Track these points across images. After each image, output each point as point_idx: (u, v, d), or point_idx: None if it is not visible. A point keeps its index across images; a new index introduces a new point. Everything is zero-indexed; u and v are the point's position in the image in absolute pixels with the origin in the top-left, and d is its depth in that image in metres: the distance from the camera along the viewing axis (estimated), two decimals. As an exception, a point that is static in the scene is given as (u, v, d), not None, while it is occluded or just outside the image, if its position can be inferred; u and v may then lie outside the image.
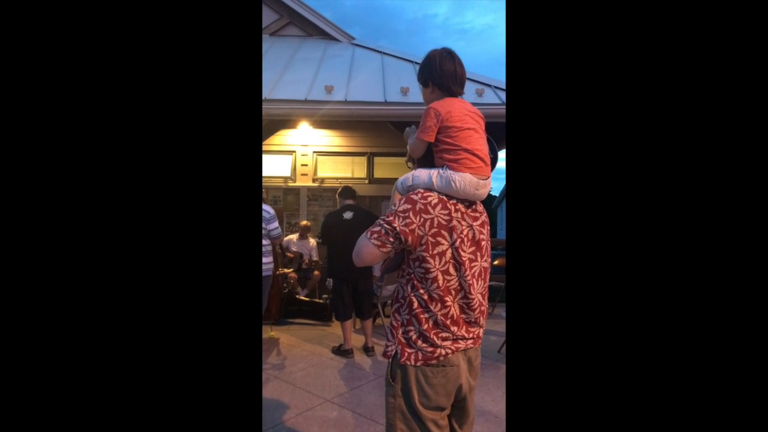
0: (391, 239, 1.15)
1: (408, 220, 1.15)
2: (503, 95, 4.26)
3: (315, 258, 5.31)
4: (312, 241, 5.38)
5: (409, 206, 1.16)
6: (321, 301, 4.89)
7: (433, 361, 1.16)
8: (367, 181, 5.85)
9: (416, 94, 4.27)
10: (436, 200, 1.18)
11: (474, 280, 1.21)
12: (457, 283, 1.18)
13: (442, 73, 1.28)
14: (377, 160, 5.92)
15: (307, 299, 4.90)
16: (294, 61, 5.09)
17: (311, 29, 6.25)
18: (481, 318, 1.24)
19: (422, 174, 1.24)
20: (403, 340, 1.18)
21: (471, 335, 1.22)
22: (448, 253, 1.17)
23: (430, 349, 1.16)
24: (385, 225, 1.16)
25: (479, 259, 1.22)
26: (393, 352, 1.19)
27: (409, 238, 1.14)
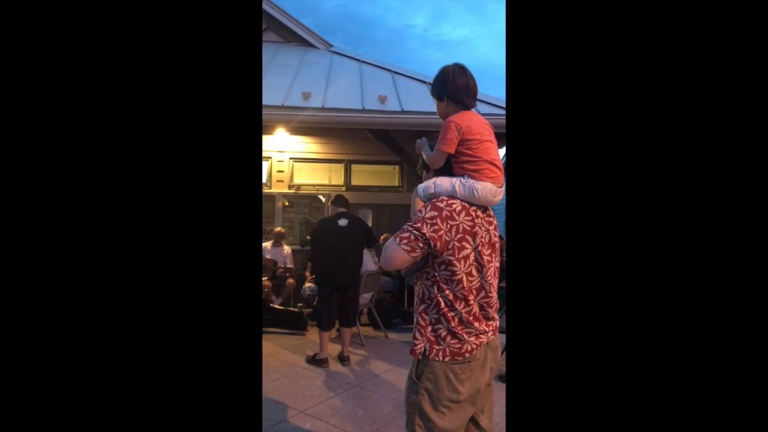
0: (421, 244, 1.23)
1: (436, 227, 1.23)
2: (480, 105, 4.32)
3: (290, 265, 5.24)
4: (287, 249, 5.31)
5: (436, 213, 1.24)
6: (296, 309, 4.81)
7: (460, 358, 1.24)
8: (344, 189, 5.83)
9: (394, 102, 4.30)
10: (460, 207, 1.27)
11: (492, 279, 1.32)
12: (478, 283, 1.29)
13: (455, 87, 1.37)
14: (355, 167, 5.91)
15: (281, 308, 4.81)
16: (271, 67, 5.04)
17: (289, 36, 6.22)
18: (495, 313, 1.35)
19: (444, 182, 1.33)
20: (432, 338, 1.26)
21: (490, 328, 1.33)
22: (471, 257, 1.26)
23: (458, 345, 1.25)
24: (414, 231, 1.23)
25: (494, 260, 1.34)
26: (422, 349, 1.27)
27: (438, 244, 1.22)
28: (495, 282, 1.32)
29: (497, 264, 1.35)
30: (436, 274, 1.27)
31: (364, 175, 5.96)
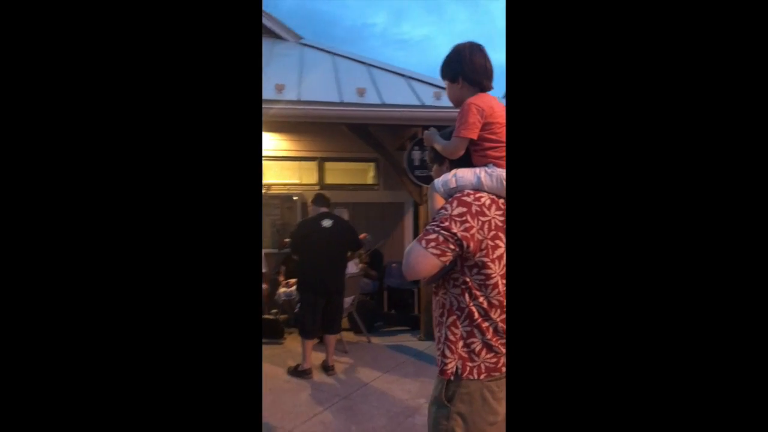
0: (452, 246, 1.08)
1: (467, 224, 1.08)
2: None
3: (263, 270, 4.93)
4: (259, 252, 4.99)
5: (465, 209, 1.09)
6: (271, 316, 4.52)
7: (497, 373, 1.12)
8: (318, 188, 5.56)
9: (373, 95, 4.09)
10: (489, 201, 1.13)
11: None
12: None
13: (473, 67, 1.24)
14: (328, 165, 5.65)
15: (255, 315, 4.50)
16: (238, 58, 4.70)
17: (255, 26, 5.88)
18: None
19: (467, 174, 1.18)
20: (464, 354, 1.12)
21: None
22: (505, 256, 1.11)
23: (494, 359, 1.12)
24: (443, 231, 1.08)
25: None
26: (454, 369, 1.12)
27: (471, 244, 1.08)
28: None
29: None
30: (468, 280, 1.11)
31: (339, 173, 5.72)
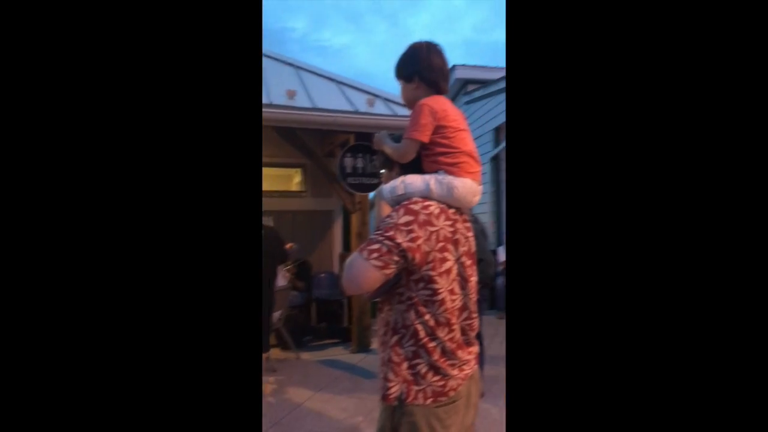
0: (396, 258, 0.99)
1: (413, 234, 1.00)
2: (394, 107, 4.17)
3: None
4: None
5: (411, 218, 1.02)
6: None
7: (444, 398, 1.03)
8: (239, 194, 5.19)
9: (303, 98, 3.91)
10: (438, 210, 1.06)
11: (474, 296, 1.12)
12: (461, 302, 1.09)
13: (431, 66, 1.18)
14: (251, 170, 5.32)
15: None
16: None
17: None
18: (475, 336, 1.15)
19: (416, 181, 1.10)
20: (409, 377, 1.03)
21: (472, 356, 1.12)
22: (454, 270, 1.06)
23: (442, 382, 1.04)
24: (387, 241, 0.99)
25: (474, 273, 1.15)
26: (397, 393, 1.03)
27: (417, 256, 1.00)
28: (476, 299, 1.13)
29: (476, 278, 1.16)
30: (413, 295, 1.03)
31: (267, 180, 5.40)
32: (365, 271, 0.99)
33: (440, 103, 1.16)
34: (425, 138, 1.12)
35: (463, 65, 7.80)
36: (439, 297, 1.03)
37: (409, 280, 1.04)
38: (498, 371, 3.07)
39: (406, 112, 4.18)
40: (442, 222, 1.06)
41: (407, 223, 1.02)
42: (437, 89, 1.20)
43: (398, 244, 0.99)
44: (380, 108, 4.11)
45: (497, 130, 6.87)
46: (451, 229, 1.07)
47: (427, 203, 1.07)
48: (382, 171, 1.32)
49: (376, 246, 1.00)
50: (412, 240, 1.00)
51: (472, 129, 7.50)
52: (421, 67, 1.19)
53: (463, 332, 1.10)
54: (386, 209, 1.14)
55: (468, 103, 7.54)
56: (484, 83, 7.38)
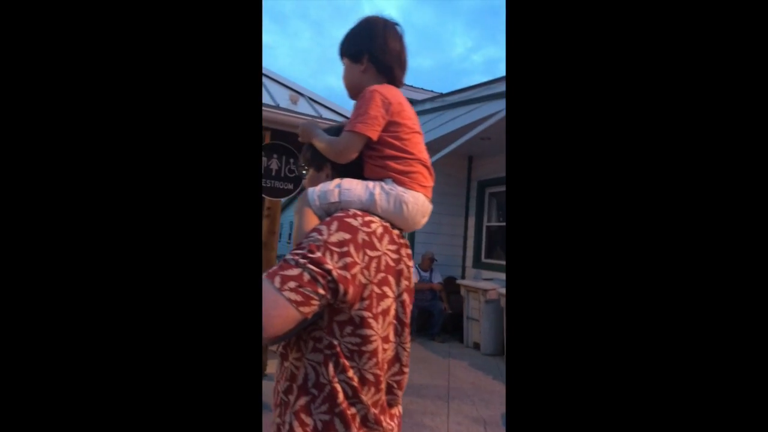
0: (321, 290, 0.73)
1: (349, 260, 0.75)
2: (318, 108, 3.84)
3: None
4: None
5: (348, 236, 0.77)
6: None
7: None
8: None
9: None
10: (381, 229, 0.82)
11: (408, 344, 0.87)
12: (393, 353, 0.84)
13: (386, 48, 0.95)
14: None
15: None
16: None
17: None
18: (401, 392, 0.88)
19: (356, 187, 0.86)
20: None
21: (395, 421, 0.86)
22: (392, 310, 0.82)
23: None
24: (311, 266, 0.73)
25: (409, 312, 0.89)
26: None
27: (350, 289, 0.75)
28: (409, 348, 0.89)
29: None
30: (336, 343, 0.77)
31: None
32: (276, 307, 0.70)
33: (395, 94, 0.92)
34: (374, 134, 0.88)
35: (389, 81, 7.71)
36: (371, 347, 0.78)
37: (332, 322, 0.77)
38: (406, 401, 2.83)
39: (331, 115, 3.87)
40: (385, 245, 0.82)
41: (341, 243, 0.76)
42: (390, 77, 0.97)
43: (327, 271, 0.73)
44: (304, 107, 3.75)
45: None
46: (395, 256, 0.83)
47: (368, 218, 0.82)
48: (305, 171, 1.01)
49: (294, 272, 0.72)
50: (347, 267, 0.74)
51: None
52: (375, 46, 0.95)
53: (390, 390, 0.85)
54: (312, 220, 0.86)
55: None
56: (410, 103, 7.36)
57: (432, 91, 7.90)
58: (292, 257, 0.75)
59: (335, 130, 0.96)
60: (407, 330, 0.86)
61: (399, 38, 0.96)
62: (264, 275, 0.75)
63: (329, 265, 0.73)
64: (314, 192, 0.87)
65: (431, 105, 5.92)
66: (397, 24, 0.97)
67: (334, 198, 0.85)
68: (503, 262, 5.75)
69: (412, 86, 7.78)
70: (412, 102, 6.98)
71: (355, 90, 0.98)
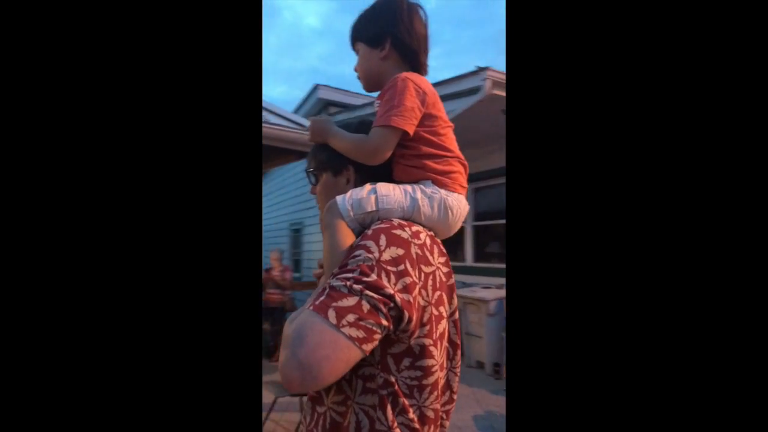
0: (384, 322, 0.61)
1: (408, 280, 0.64)
2: (265, 113, 3.60)
3: None
4: None
5: (401, 252, 0.66)
6: None
7: None
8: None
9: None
10: (429, 240, 0.72)
11: (459, 369, 0.78)
12: (445, 380, 0.74)
13: (412, 31, 0.83)
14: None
15: None
16: None
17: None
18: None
19: (395, 193, 0.74)
20: None
21: None
22: (446, 333, 0.73)
23: None
24: (368, 292, 0.61)
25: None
26: None
27: (414, 315, 0.64)
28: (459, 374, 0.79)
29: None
30: (392, 380, 0.65)
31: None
32: (336, 348, 0.58)
33: (427, 83, 0.81)
34: (411, 128, 0.76)
35: (326, 86, 7.55)
36: (432, 378, 0.67)
37: (386, 355, 0.65)
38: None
39: (279, 121, 3.63)
40: (437, 258, 0.72)
41: (395, 260, 0.64)
42: (415, 65, 0.86)
43: (389, 297, 0.61)
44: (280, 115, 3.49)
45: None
46: (446, 270, 0.74)
47: (415, 228, 0.72)
48: (315, 176, 0.87)
49: (349, 301, 0.60)
50: (407, 289, 0.63)
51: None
52: (399, 28, 0.83)
53: (442, 423, 0.74)
54: (347, 235, 0.72)
55: (330, 125, 7.29)
56: (345, 107, 7.25)
57: (370, 96, 7.87)
58: (342, 283, 0.62)
59: (355, 126, 0.82)
60: (459, 351, 0.77)
61: (424, 22, 0.85)
62: (309, 307, 0.61)
63: (389, 289, 0.62)
64: (345, 201, 0.73)
65: (372, 110, 5.84)
66: (420, 6, 0.85)
67: (371, 207, 0.72)
68: (495, 265, 5.41)
69: (348, 91, 7.68)
70: (352, 107, 6.88)
71: (374, 80, 0.86)
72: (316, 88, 7.59)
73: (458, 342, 0.76)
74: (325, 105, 7.72)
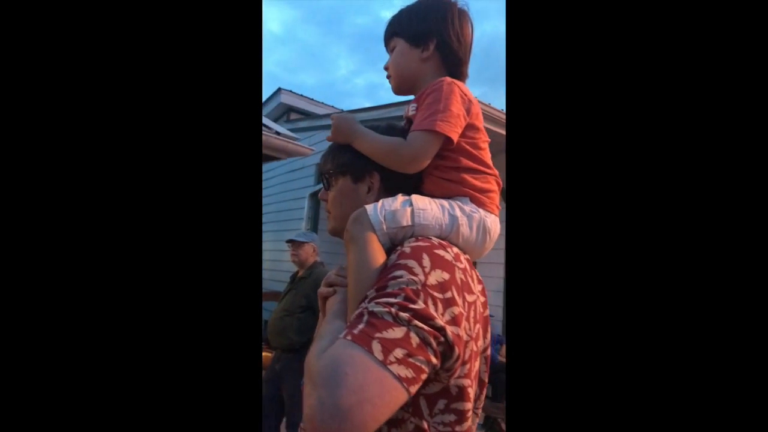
0: (433, 360, 0.52)
1: (456, 311, 0.56)
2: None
3: None
4: None
5: (447, 276, 0.57)
6: None
7: None
8: None
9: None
10: (468, 265, 0.65)
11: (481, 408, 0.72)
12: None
13: (461, 39, 0.77)
14: None
15: None
16: None
17: None
18: None
19: (432, 208, 0.66)
20: None
21: None
22: (478, 371, 0.64)
23: None
24: (417, 323, 0.52)
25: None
26: None
27: (462, 352, 0.56)
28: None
29: None
30: (425, 425, 0.56)
31: None
32: (383, 389, 0.48)
33: (469, 91, 0.75)
34: (456, 136, 0.69)
35: (290, 91, 7.36)
36: (467, 424, 0.59)
37: (418, 396, 0.56)
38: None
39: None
40: (476, 286, 0.64)
41: (442, 286, 0.56)
42: (456, 72, 0.79)
43: (439, 330, 0.53)
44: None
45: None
46: (483, 299, 0.67)
47: (456, 250, 0.64)
48: (328, 179, 0.77)
49: (397, 333, 0.51)
50: (455, 320, 0.55)
51: (292, 162, 7.07)
52: (447, 30, 0.76)
53: None
54: (379, 252, 0.63)
55: (292, 131, 7.10)
56: (308, 115, 7.10)
57: (332, 106, 7.78)
58: (384, 309, 0.52)
59: (383, 131, 0.74)
60: (485, 390, 0.69)
61: (471, 28, 0.80)
62: (347, 337, 0.51)
63: (439, 320, 0.53)
64: (379, 212, 0.64)
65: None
66: (468, 10, 0.80)
67: (406, 221, 0.64)
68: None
69: (313, 99, 7.56)
70: (315, 116, 6.75)
71: (408, 81, 0.79)
72: (278, 91, 7.38)
73: (486, 380, 0.69)
74: (287, 110, 7.52)
